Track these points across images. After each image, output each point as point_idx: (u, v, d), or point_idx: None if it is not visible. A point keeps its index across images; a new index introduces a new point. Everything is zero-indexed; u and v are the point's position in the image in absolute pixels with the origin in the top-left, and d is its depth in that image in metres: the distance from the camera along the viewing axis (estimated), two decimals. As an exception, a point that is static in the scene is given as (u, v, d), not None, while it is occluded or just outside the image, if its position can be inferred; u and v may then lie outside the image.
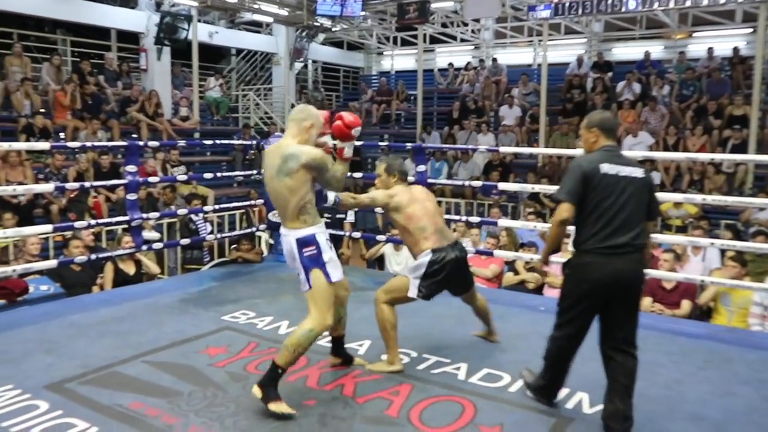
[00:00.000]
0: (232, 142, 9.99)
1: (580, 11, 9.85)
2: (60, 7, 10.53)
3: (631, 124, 10.58)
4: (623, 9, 9.45)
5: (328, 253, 2.98)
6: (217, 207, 7.47)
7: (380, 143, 11.88)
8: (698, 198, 5.54)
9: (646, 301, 5.22)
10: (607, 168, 2.68)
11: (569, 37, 14.69)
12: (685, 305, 5.14)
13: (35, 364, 3.41)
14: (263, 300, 4.75)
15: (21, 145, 7.46)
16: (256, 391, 2.86)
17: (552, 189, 7.01)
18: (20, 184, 7.16)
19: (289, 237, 2.98)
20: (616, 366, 2.74)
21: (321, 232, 3.00)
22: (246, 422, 2.80)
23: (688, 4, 9.50)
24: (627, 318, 2.76)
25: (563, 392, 3.11)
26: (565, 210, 2.70)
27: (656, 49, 13.79)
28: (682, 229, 7.76)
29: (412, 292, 3.43)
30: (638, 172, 2.72)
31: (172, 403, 2.96)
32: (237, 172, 10.14)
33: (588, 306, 2.77)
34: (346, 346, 3.71)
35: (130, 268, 5.63)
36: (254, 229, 6.53)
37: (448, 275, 3.44)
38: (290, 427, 2.77)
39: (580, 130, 2.84)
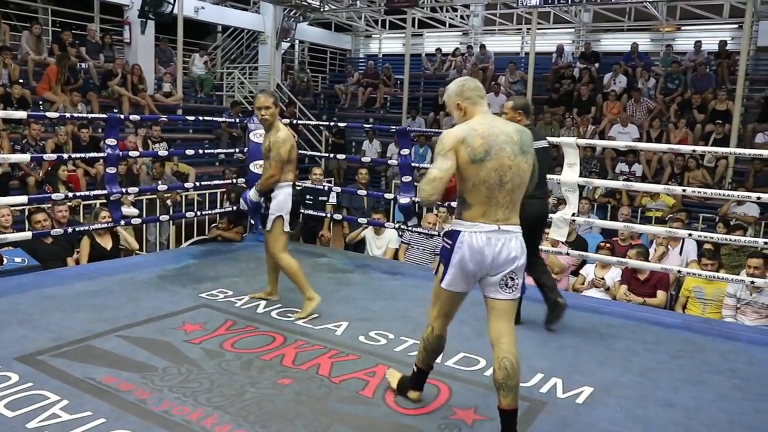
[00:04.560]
0: (216, 119, 9.82)
1: (569, 0, 9.80)
2: (42, -25, 10.31)
3: (616, 116, 10.64)
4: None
5: None
6: (198, 185, 7.38)
7: (365, 125, 11.82)
8: (678, 189, 5.58)
9: (621, 290, 5.29)
10: None
11: (558, 26, 14.69)
12: (660, 295, 5.21)
13: (8, 335, 3.36)
14: (242, 279, 4.72)
15: (-3, 113, 7.27)
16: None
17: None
18: (-4, 154, 7.02)
19: (520, 237, 2.49)
20: None
21: None
22: (220, 399, 2.78)
23: (676, -3, 9.53)
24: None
25: (538, 377, 3.14)
26: None
27: (644, 42, 13.83)
28: (661, 222, 7.83)
29: None
30: None
31: (146, 378, 2.94)
32: (220, 150, 9.94)
33: None
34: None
35: (107, 243, 5.55)
36: (236, 207, 6.46)
37: None
38: (265, 405, 2.76)
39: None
